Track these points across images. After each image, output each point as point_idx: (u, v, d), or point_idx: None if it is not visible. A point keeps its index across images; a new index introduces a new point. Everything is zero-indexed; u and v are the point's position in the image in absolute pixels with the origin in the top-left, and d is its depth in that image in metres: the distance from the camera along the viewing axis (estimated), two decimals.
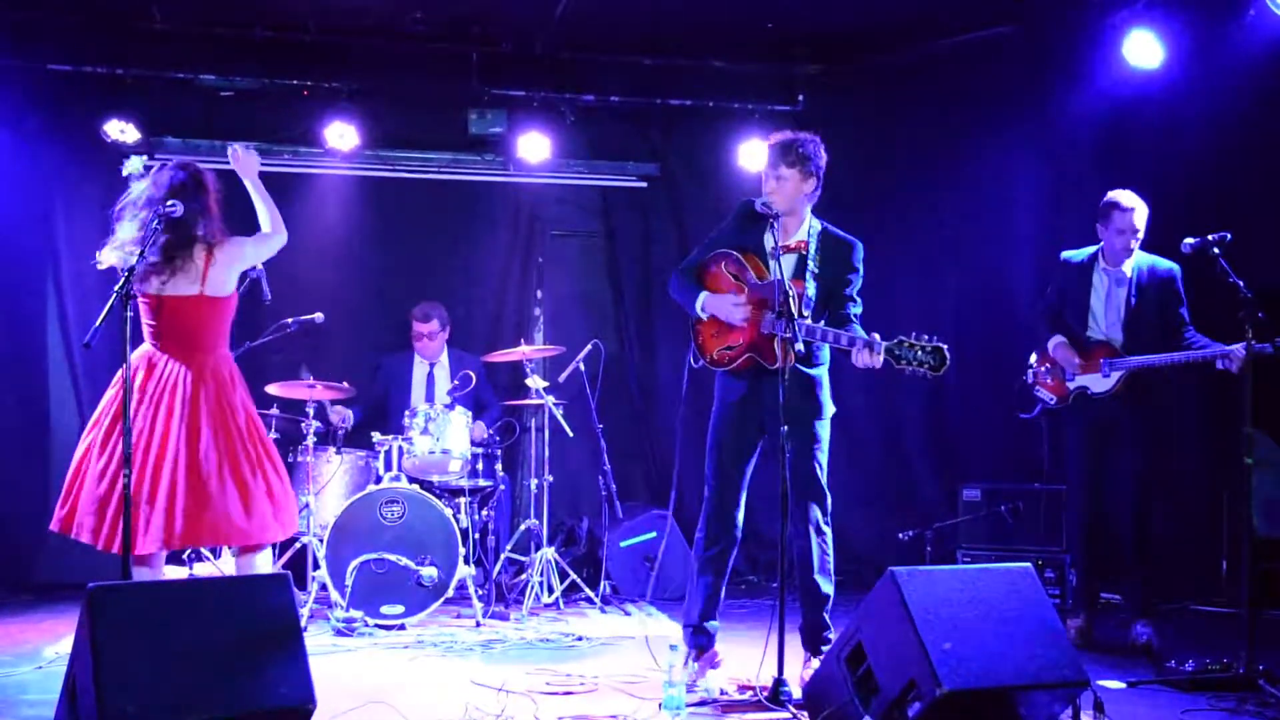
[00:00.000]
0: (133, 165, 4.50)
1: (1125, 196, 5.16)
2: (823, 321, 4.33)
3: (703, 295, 4.38)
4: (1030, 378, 5.49)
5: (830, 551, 4.38)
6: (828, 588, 4.38)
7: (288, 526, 4.45)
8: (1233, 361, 4.80)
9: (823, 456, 4.37)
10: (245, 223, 4.60)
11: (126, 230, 4.33)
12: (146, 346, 4.36)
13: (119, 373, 4.12)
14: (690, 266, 4.52)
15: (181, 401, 4.23)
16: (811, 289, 4.32)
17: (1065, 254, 5.44)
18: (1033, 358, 5.54)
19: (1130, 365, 5.09)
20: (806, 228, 4.42)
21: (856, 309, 4.42)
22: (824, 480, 4.36)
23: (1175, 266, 5.16)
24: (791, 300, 4.06)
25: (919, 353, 4.03)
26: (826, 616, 4.40)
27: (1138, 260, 5.21)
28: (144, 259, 4.13)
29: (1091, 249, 5.33)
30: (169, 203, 4.22)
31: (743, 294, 4.33)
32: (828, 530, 4.38)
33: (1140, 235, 5.15)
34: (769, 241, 4.34)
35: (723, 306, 4.34)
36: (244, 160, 4.59)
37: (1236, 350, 4.75)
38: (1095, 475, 5.26)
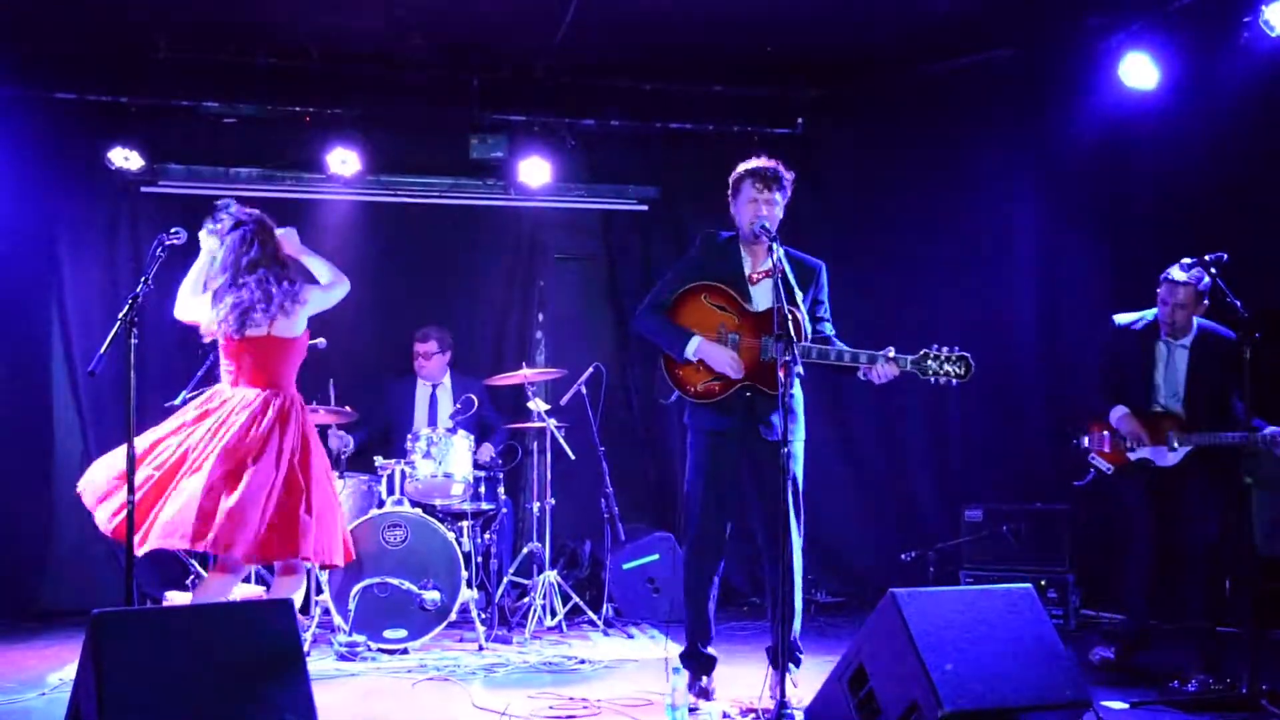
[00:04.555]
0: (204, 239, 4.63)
1: (1175, 271, 4.91)
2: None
3: (695, 341, 4.32)
4: (1084, 444, 5.23)
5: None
6: (799, 604, 4.44)
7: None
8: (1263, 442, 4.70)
9: (801, 473, 4.44)
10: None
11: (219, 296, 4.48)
12: (220, 386, 4.55)
13: (185, 409, 4.47)
14: (661, 304, 4.46)
15: (257, 425, 4.37)
16: (802, 310, 4.33)
17: (1119, 318, 5.21)
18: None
19: (1199, 443, 4.87)
20: (777, 252, 4.39)
21: (830, 327, 4.52)
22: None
23: (1232, 335, 4.85)
24: (791, 325, 4.05)
25: (945, 364, 4.20)
26: (796, 636, 4.43)
27: (1198, 329, 5.01)
28: (229, 309, 4.39)
29: (1150, 314, 5.11)
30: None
31: (734, 331, 4.35)
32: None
33: (1188, 311, 4.93)
34: (748, 267, 4.43)
35: (719, 358, 4.31)
36: (287, 239, 4.72)
37: (1268, 432, 4.67)
38: (1162, 533, 5.02)
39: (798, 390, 4.44)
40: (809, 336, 4.34)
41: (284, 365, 4.54)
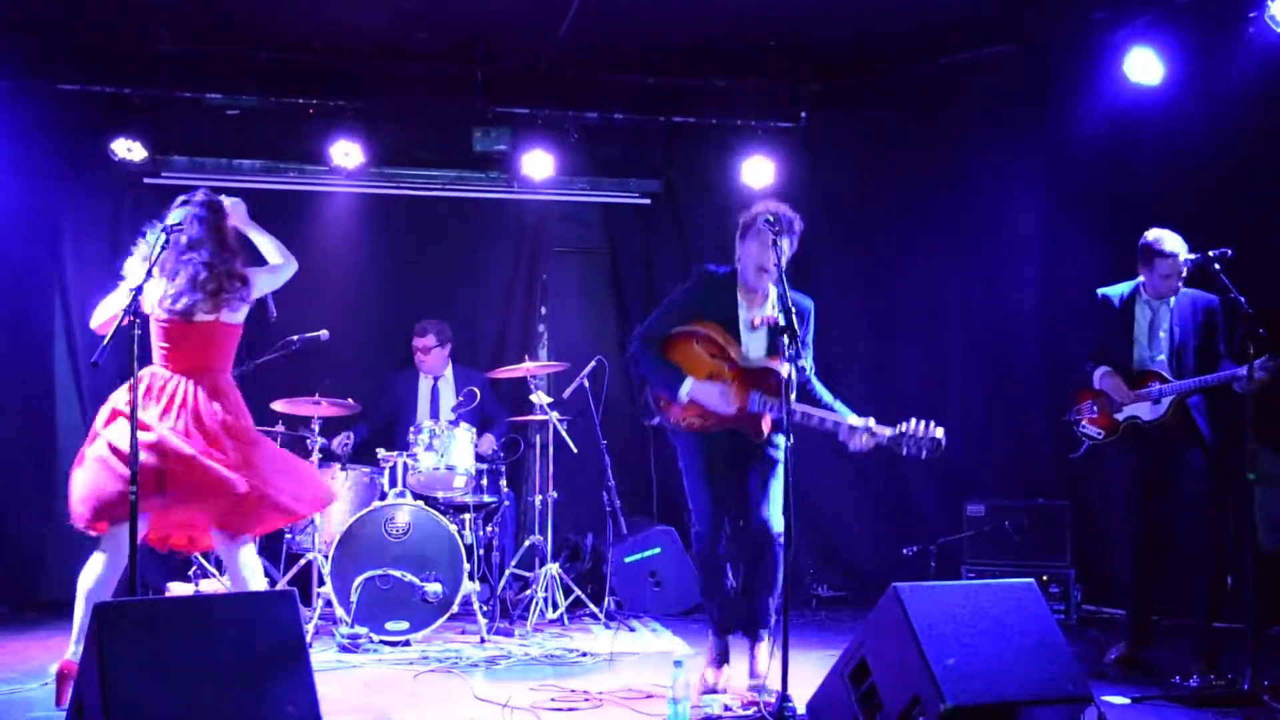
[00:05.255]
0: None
1: (1167, 241, 4.95)
2: None
3: (688, 383, 4.38)
4: (1074, 415, 5.30)
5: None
6: (773, 603, 4.52)
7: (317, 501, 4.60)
8: (1241, 382, 4.70)
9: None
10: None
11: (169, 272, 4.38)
12: (154, 367, 4.41)
13: (119, 391, 4.27)
14: (655, 337, 4.51)
15: (192, 411, 4.28)
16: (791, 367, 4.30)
17: (1103, 291, 5.27)
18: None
19: (1180, 389, 4.92)
20: (771, 297, 4.47)
21: (809, 365, 4.50)
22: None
23: (1215, 298, 5.02)
24: (785, 383, 4.08)
25: (920, 443, 4.19)
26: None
27: (1179, 294, 5.07)
28: (179, 289, 4.28)
29: (1130, 284, 5.18)
30: (177, 224, 4.31)
31: (724, 380, 4.39)
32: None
33: (1185, 275, 4.98)
34: (744, 311, 4.47)
35: (711, 398, 4.37)
36: (233, 210, 4.58)
37: (1242, 371, 4.66)
38: (1148, 508, 5.06)
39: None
40: (793, 383, 4.28)
41: (225, 350, 4.46)
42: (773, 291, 4.43)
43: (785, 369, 4.09)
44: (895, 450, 4.24)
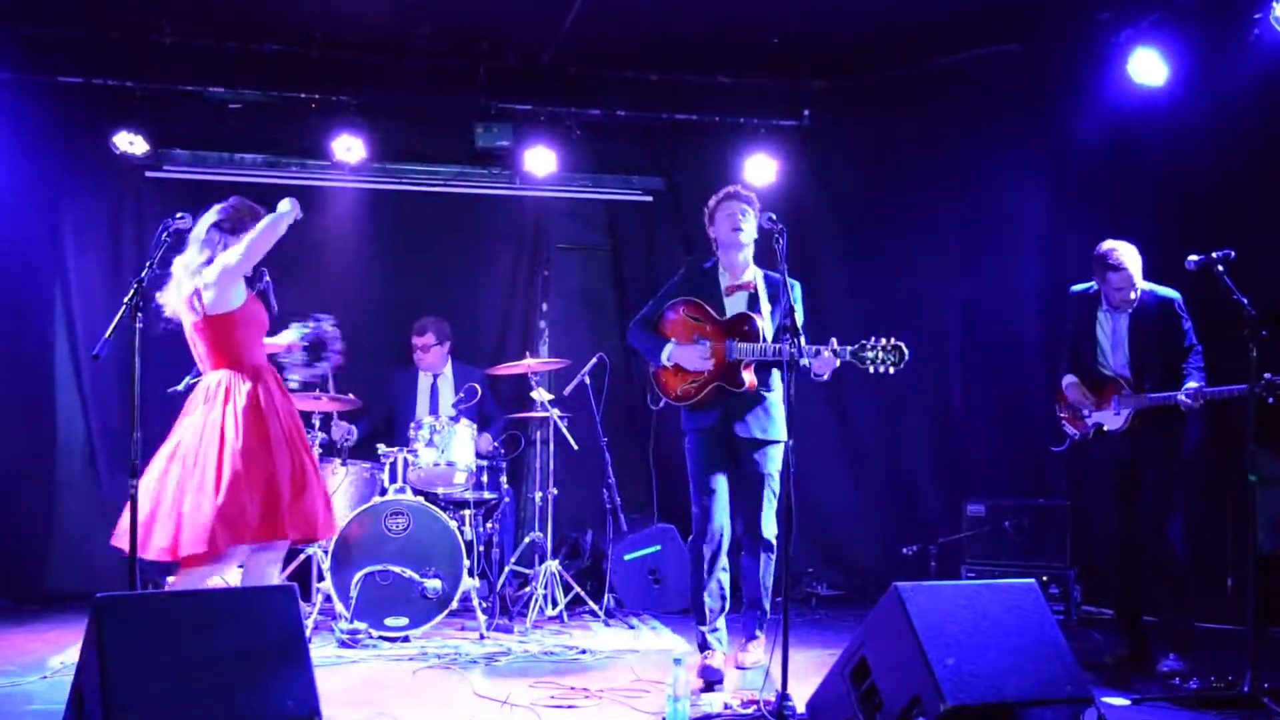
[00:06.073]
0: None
1: (1115, 255, 5.01)
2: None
3: (669, 347, 4.82)
4: (1058, 411, 5.41)
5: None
6: (766, 602, 4.86)
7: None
8: (1183, 405, 4.87)
9: (778, 470, 4.82)
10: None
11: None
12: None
13: (192, 398, 4.33)
14: (648, 319, 4.96)
15: (235, 412, 4.23)
16: (766, 321, 4.75)
17: (1075, 287, 5.33)
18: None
19: (1136, 405, 5.02)
20: (751, 272, 4.90)
21: (803, 341, 4.60)
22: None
23: (1175, 294, 5.08)
24: (759, 324, 4.64)
25: (880, 353, 4.55)
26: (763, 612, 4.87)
27: (1140, 296, 5.09)
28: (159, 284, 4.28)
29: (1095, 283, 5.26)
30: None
31: (705, 337, 4.76)
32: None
33: (1137, 283, 5.04)
34: (724, 281, 4.86)
35: (688, 357, 4.77)
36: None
37: (1182, 398, 4.84)
38: (1122, 508, 5.14)
39: (777, 389, 4.81)
40: (768, 340, 4.69)
41: (238, 339, 4.34)
42: (753, 269, 4.87)
43: (762, 324, 4.62)
44: (860, 365, 4.56)
